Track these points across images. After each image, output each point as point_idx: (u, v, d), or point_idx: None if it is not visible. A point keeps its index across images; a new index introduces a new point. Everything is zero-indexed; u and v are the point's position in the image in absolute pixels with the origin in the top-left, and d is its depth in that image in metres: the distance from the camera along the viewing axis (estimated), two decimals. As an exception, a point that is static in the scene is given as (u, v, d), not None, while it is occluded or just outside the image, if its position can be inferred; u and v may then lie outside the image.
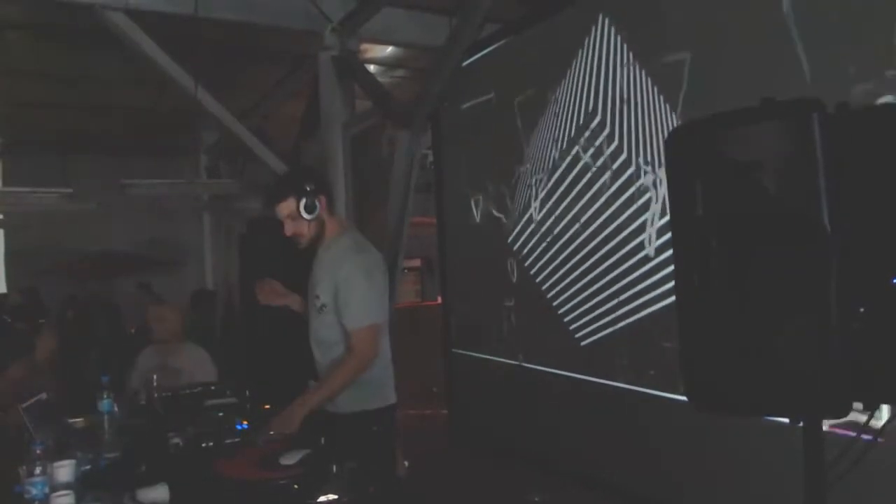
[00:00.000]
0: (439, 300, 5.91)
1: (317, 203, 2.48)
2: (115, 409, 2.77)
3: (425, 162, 5.82)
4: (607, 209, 3.72)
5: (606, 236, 3.73)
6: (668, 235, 3.23)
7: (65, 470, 2.00)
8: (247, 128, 5.86)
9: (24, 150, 8.78)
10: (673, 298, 2.11)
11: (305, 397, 2.45)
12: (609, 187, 3.72)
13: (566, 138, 4.04)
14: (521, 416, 4.50)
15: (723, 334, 1.50)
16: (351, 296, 2.44)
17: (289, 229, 2.53)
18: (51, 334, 4.26)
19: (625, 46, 3.54)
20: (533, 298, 4.38)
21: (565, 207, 4.06)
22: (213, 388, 2.94)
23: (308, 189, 2.46)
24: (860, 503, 2.03)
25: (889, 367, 1.35)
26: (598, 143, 3.79)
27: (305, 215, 2.47)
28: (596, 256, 3.82)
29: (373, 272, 2.51)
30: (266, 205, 2.68)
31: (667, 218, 3.26)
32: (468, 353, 5.14)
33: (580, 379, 3.95)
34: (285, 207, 2.49)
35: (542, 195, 4.28)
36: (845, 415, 1.37)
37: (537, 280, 4.34)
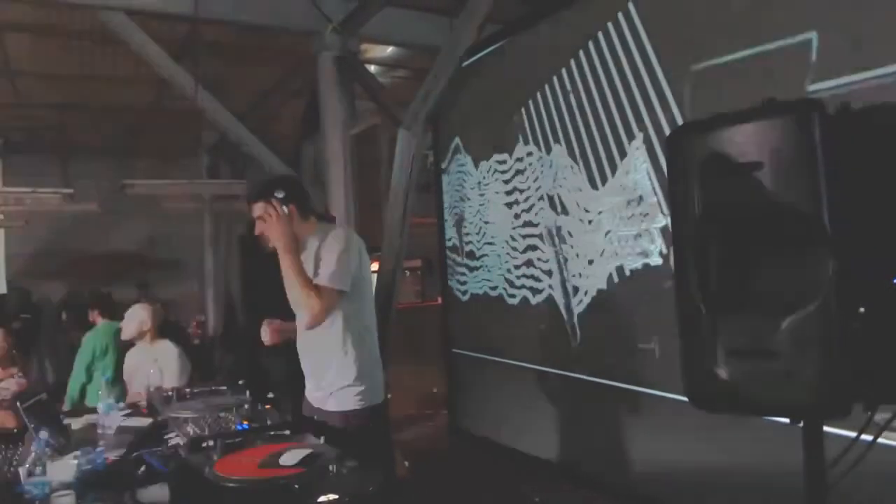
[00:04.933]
0: (439, 300, 5.91)
1: (285, 211, 2.56)
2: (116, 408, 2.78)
3: (425, 162, 5.82)
4: (607, 206, 3.72)
5: (606, 231, 3.73)
6: (664, 235, 3.26)
7: (65, 469, 2.00)
8: (247, 128, 5.86)
9: (24, 150, 8.78)
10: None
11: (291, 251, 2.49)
12: (610, 184, 3.72)
13: (566, 135, 4.05)
14: (521, 416, 4.51)
15: (723, 334, 1.50)
16: (324, 258, 2.51)
17: (258, 229, 2.62)
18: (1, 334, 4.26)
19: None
20: (533, 297, 4.39)
21: (563, 205, 4.07)
22: (213, 388, 2.94)
23: (278, 196, 2.56)
24: (860, 503, 2.03)
25: (889, 367, 1.36)
26: (602, 141, 3.80)
27: None
28: (595, 252, 3.82)
29: (350, 247, 2.55)
30: (246, 204, 2.74)
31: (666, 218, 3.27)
32: (468, 353, 5.15)
33: (580, 379, 3.96)
34: (256, 210, 2.61)
35: (541, 192, 4.28)
36: (845, 415, 1.37)
37: (537, 277, 4.35)
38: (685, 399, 1.59)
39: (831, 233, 1.34)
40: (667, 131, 3.28)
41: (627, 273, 3.62)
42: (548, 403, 4.23)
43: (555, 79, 4.11)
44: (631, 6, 3.53)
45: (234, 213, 8.67)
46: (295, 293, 2.48)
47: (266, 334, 2.75)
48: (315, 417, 2.58)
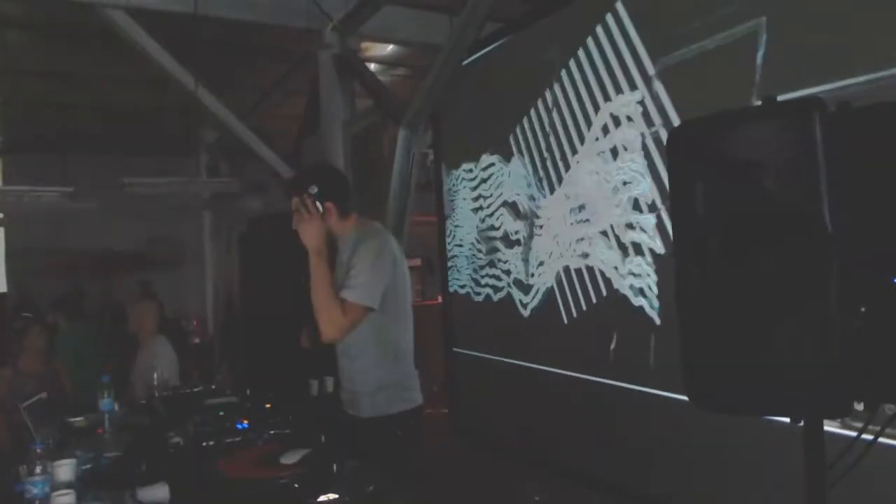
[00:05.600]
0: (439, 300, 5.90)
1: (320, 207, 2.41)
2: (116, 408, 2.78)
3: (425, 161, 5.81)
4: (607, 207, 3.72)
5: (607, 232, 3.74)
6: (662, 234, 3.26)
7: (65, 469, 2.00)
8: (247, 126, 5.85)
9: (24, 149, 8.78)
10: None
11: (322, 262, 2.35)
12: (611, 185, 3.72)
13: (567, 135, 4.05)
14: (521, 416, 4.51)
15: (723, 334, 1.49)
16: (353, 271, 2.36)
17: (294, 223, 2.49)
18: (38, 336, 4.25)
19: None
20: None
21: (564, 205, 4.07)
22: (213, 387, 2.95)
23: (312, 192, 2.41)
24: (860, 503, 2.03)
25: (889, 367, 1.35)
26: (601, 139, 3.80)
27: None
28: (595, 253, 3.82)
29: (383, 257, 2.41)
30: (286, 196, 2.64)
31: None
32: (468, 352, 5.15)
33: (581, 378, 3.96)
34: (293, 203, 2.47)
35: (541, 194, 4.28)
36: (845, 415, 1.37)
37: (538, 278, 4.35)
38: (685, 398, 1.59)
39: (832, 232, 1.34)
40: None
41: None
42: (549, 403, 4.24)
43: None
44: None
45: (234, 211, 8.67)
46: (318, 304, 2.31)
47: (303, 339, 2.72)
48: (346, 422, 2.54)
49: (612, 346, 3.65)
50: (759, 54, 2.80)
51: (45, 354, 4.30)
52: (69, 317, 4.84)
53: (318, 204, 2.39)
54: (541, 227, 4.26)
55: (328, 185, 2.48)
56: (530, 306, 4.38)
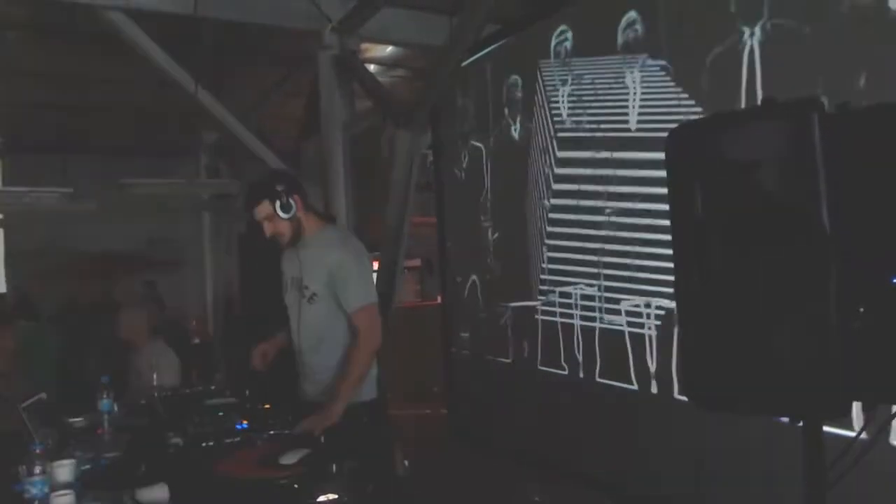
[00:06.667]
0: (439, 300, 5.91)
1: (292, 202, 2.55)
2: (115, 408, 2.78)
3: (425, 162, 5.82)
4: (609, 209, 3.73)
5: (609, 234, 3.74)
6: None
7: (65, 469, 2.00)
8: (247, 128, 5.85)
9: (24, 150, 8.77)
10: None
11: (337, 394, 2.50)
12: (611, 187, 3.72)
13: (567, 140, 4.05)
14: (520, 416, 4.50)
15: (722, 334, 1.50)
16: (347, 279, 2.56)
17: (268, 230, 2.62)
18: (5, 335, 4.21)
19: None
20: (532, 298, 4.40)
21: (565, 208, 4.07)
22: (212, 387, 2.95)
23: (280, 190, 2.55)
24: (860, 503, 2.03)
25: (889, 367, 1.35)
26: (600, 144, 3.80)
27: (283, 215, 2.56)
28: (596, 254, 3.83)
29: (362, 258, 2.66)
30: (244, 210, 2.75)
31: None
32: (468, 352, 5.14)
33: (580, 378, 3.96)
34: (261, 210, 2.59)
35: (544, 196, 4.28)
36: (845, 415, 1.37)
37: (537, 278, 4.35)
38: (685, 398, 1.59)
39: (831, 232, 1.34)
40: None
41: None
42: (548, 403, 4.23)
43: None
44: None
45: (234, 212, 8.66)
46: (363, 372, 2.56)
47: (255, 359, 2.86)
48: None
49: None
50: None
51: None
52: (26, 317, 4.89)
53: (289, 199, 2.55)
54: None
55: (289, 181, 2.64)
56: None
